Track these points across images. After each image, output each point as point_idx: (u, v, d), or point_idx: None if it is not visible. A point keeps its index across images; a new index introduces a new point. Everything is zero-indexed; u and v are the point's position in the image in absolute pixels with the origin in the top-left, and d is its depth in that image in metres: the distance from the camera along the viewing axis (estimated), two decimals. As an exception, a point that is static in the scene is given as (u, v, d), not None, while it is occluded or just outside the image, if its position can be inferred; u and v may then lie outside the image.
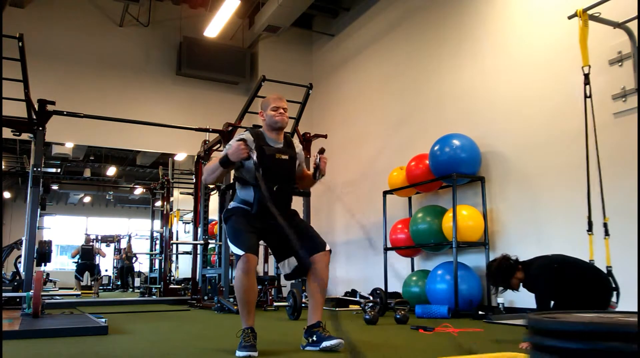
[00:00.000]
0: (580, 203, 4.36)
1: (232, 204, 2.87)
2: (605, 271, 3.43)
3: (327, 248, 2.82)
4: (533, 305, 4.99)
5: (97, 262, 11.83)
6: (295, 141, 3.07)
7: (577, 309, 2.74)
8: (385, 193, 6.58)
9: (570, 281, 3.17)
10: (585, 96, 3.73)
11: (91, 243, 12.04)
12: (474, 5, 6.09)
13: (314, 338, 2.71)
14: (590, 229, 3.58)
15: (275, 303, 5.75)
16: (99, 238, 14.17)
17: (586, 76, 3.77)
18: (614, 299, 3.36)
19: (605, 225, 3.57)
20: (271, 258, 7.71)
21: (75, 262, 11.83)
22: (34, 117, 5.45)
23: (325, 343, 2.64)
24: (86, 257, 11.49)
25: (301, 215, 6.80)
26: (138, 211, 19.31)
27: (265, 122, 2.90)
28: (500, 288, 3.41)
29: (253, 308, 2.71)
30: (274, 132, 2.88)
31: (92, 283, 11.37)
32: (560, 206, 4.84)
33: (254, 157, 2.67)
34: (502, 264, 3.34)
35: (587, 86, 3.75)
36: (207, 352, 2.89)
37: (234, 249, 2.70)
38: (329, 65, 9.12)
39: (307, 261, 2.72)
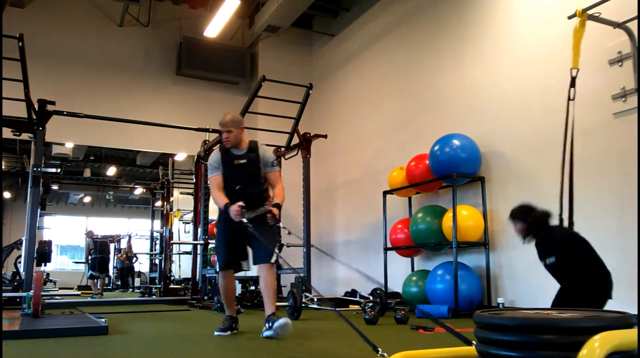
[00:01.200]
0: (580, 202, 4.36)
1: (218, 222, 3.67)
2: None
3: (271, 261, 3.47)
4: (532, 306, 5.00)
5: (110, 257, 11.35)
6: (262, 147, 3.61)
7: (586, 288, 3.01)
8: (385, 193, 6.57)
9: (586, 255, 3.29)
10: (569, 99, 3.77)
11: (105, 238, 11.31)
12: (474, 6, 6.09)
13: (270, 325, 3.31)
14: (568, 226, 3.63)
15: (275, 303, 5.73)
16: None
17: (573, 79, 3.80)
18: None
19: (570, 224, 3.63)
20: (271, 258, 7.70)
21: (83, 261, 11.64)
22: (34, 117, 5.45)
23: (275, 324, 3.25)
24: (101, 250, 10.77)
25: (301, 215, 6.80)
26: (138, 211, 19.31)
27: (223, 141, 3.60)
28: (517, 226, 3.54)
29: (232, 302, 3.69)
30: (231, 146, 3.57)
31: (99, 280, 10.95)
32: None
33: (244, 220, 3.30)
34: (529, 207, 3.53)
35: (572, 89, 3.77)
36: (207, 352, 2.89)
37: (217, 261, 3.66)
38: (329, 65, 9.12)
39: (256, 263, 3.52)
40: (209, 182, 3.70)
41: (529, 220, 3.49)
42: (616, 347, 0.85)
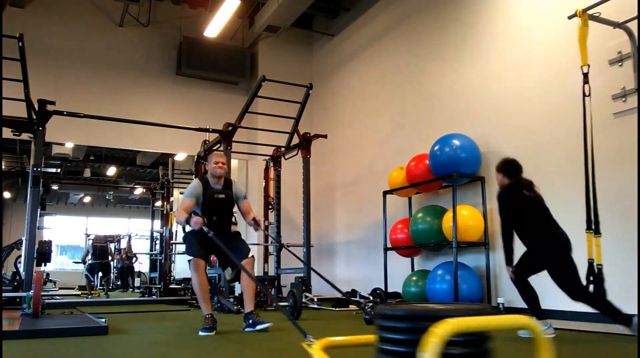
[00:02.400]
0: (581, 202, 4.36)
1: (188, 228, 3.89)
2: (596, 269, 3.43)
3: (250, 255, 3.88)
4: (533, 305, 4.99)
5: (110, 261, 11.09)
6: (235, 185, 4.12)
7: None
8: (385, 193, 6.57)
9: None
10: (584, 95, 3.73)
11: (106, 241, 10.91)
12: (474, 6, 6.09)
13: (250, 322, 3.70)
14: (589, 228, 3.56)
15: (274, 303, 5.75)
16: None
17: (585, 75, 3.77)
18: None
19: (596, 224, 3.55)
20: (271, 259, 7.72)
21: (79, 261, 11.54)
22: (34, 117, 5.45)
23: (259, 326, 3.63)
24: (101, 256, 10.49)
25: (300, 215, 6.82)
26: (138, 211, 19.32)
27: (209, 172, 4.00)
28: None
29: (208, 298, 3.80)
30: (214, 178, 4.00)
31: (103, 283, 10.79)
32: (561, 206, 4.83)
33: (205, 228, 3.65)
34: (514, 162, 3.75)
35: (586, 85, 3.75)
36: (207, 352, 2.89)
37: (188, 256, 3.83)
38: (329, 65, 9.12)
39: (238, 265, 3.66)
40: (180, 204, 3.97)
41: (501, 171, 3.75)
42: (455, 330, 1.25)
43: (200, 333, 3.58)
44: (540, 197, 3.59)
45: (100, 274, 10.68)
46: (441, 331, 1.25)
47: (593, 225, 3.57)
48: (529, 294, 3.52)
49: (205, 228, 3.64)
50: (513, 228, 3.51)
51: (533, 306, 3.54)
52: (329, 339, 1.92)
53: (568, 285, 3.37)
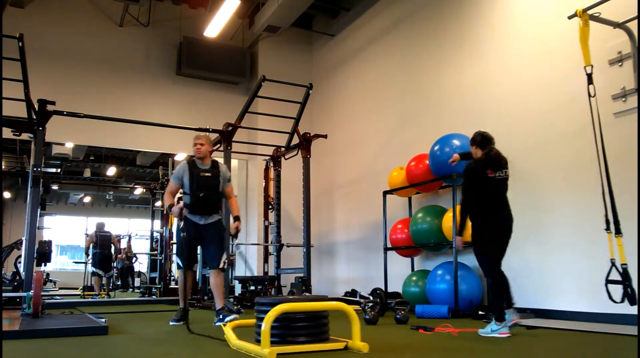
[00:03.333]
0: (581, 202, 4.37)
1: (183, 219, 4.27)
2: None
3: (220, 266, 4.32)
4: (532, 306, 5.02)
5: (113, 254, 10.16)
6: (222, 166, 4.48)
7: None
8: (385, 193, 6.57)
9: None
10: (590, 96, 3.71)
11: (108, 231, 10.03)
12: (474, 6, 6.09)
13: (220, 317, 4.16)
14: (608, 227, 3.47)
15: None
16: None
17: (589, 76, 3.75)
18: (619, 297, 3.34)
19: (616, 224, 3.48)
20: (271, 259, 7.72)
21: (79, 261, 11.09)
22: (34, 117, 5.45)
23: (227, 319, 3.99)
24: (103, 245, 9.65)
25: (300, 215, 6.81)
26: (138, 211, 19.32)
27: (194, 149, 4.38)
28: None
29: (185, 296, 4.36)
30: (200, 160, 4.38)
31: (103, 283, 9.85)
32: (561, 206, 4.84)
33: (185, 213, 4.22)
34: (486, 134, 4.03)
35: (591, 86, 3.73)
36: (207, 352, 2.89)
37: (179, 261, 4.38)
38: (329, 65, 9.12)
39: (209, 268, 4.35)
40: (167, 188, 4.41)
41: (476, 143, 3.99)
42: (279, 311, 2.52)
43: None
44: (507, 177, 3.79)
45: (101, 271, 9.68)
46: (271, 313, 2.57)
47: (613, 225, 3.49)
48: (501, 288, 3.61)
49: (191, 217, 4.25)
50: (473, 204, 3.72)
51: (503, 298, 3.60)
52: (235, 322, 3.34)
53: (486, 259, 3.66)
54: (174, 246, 10.57)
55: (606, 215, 3.51)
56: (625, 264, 3.38)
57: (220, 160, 5.17)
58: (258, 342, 2.65)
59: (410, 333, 3.74)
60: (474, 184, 3.72)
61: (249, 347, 2.71)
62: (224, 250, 4.40)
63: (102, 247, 9.60)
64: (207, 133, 4.61)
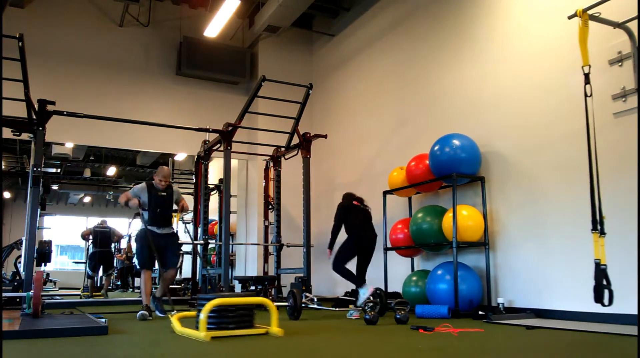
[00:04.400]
0: (580, 202, 4.36)
1: (141, 226, 5.26)
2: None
3: (173, 268, 5.27)
4: (532, 306, 5.02)
5: (113, 251, 9.64)
6: (174, 187, 5.48)
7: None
8: (385, 193, 6.58)
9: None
10: (586, 96, 3.72)
11: (108, 227, 9.39)
12: (474, 6, 6.09)
13: (155, 304, 5.17)
14: (595, 228, 3.51)
15: (275, 303, 5.74)
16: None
17: (586, 76, 3.76)
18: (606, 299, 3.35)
19: (601, 224, 3.53)
20: (271, 259, 7.72)
21: (79, 261, 11.03)
22: (34, 117, 5.45)
23: (158, 313, 5.12)
24: (103, 243, 9.00)
25: (300, 215, 6.82)
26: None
27: (156, 180, 5.30)
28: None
29: (148, 294, 5.10)
30: (158, 183, 5.33)
31: (104, 279, 9.44)
32: (560, 206, 4.84)
33: (141, 209, 5.20)
34: (350, 194, 5.70)
35: (588, 86, 3.74)
36: (206, 352, 2.89)
37: (137, 262, 5.62)
38: (329, 65, 9.12)
39: (163, 270, 5.24)
40: (127, 194, 5.26)
41: (343, 198, 5.63)
42: (213, 305, 3.37)
43: (137, 316, 4.85)
44: (366, 209, 5.51)
45: (101, 270, 9.19)
46: (207, 305, 3.31)
47: (599, 225, 3.51)
48: (346, 274, 5.26)
49: (150, 227, 5.15)
50: (341, 228, 5.35)
51: (352, 280, 5.30)
52: (180, 313, 4.20)
53: (337, 259, 5.30)
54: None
55: (593, 216, 3.53)
56: (605, 265, 3.40)
57: (220, 160, 5.64)
58: (198, 329, 3.38)
59: (410, 333, 3.74)
60: (343, 216, 5.44)
61: (191, 333, 3.42)
62: (178, 257, 5.80)
63: (101, 245, 8.98)
64: (168, 167, 5.81)
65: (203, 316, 3.30)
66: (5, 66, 4.24)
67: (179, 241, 5.73)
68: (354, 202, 5.48)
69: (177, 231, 5.49)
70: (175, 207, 5.46)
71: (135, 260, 13.57)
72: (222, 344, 3.16)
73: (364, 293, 5.10)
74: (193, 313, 3.94)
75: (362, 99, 8.11)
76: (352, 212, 5.38)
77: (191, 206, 9.08)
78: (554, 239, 4.86)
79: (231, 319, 3.51)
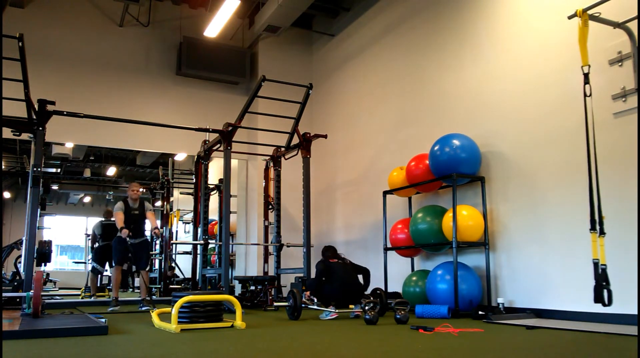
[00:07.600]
0: (580, 202, 4.37)
1: (118, 234, 6.13)
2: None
3: (147, 268, 6.33)
4: (532, 306, 5.02)
5: None
6: (145, 203, 6.49)
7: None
8: (385, 193, 6.58)
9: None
10: (585, 95, 3.72)
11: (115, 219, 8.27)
12: (474, 6, 6.09)
13: (141, 305, 5.95)
14: (593, 228, 3.52)
15: (275, 303, 5.76)
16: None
17: (586, 76, 3.76)
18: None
19: (600, 224, 3.52)
20: (271, 259, 7.72)
21: (79, 261, 10.86)
22: (34, 117, 5.45)
23: (142, 308, 5.84)
24: (110, 236, 7.92)
25: (300, 215, 6.83)
26: (138, 211, 19.25)
27: (129, 193, 6.36)
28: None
29: (117, 287, 6.24)
30: (132, 200, 6.33)
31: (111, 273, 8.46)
32: (561, 206, 4.84)
33: (129, 240, 6.09)
34: (331, 247, 5.63)
35: (587, 85, 3.74)
36: (206, 352, 2.89)
37: (114, 260, 6.31)
38: (329, 65, 9.12)
39: (138, 271, 6.32)
40: (116, 214, 6.15)
41: (322, 253, 5.59)
42: (183, 301, 4.01)
43: (108, 310, 5.70)
44: (343, 260, 5.48)
45: (107, 266, 8.60)
46: (179, 302, 3.96)
47: (597, 225, 3.52)
48: (318, 290, 5.21)
49: (129, 240, 6.06)
50: (322, 278, 5.21)
51: (324, 301, 5.22)
52: (160, 310, 4.51)
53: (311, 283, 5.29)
54: (174, 247, 10.62)
55: (592, 215, 3.52)
56: (605, 265, 3.39)
57: (220, 160, 5.78)
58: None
59: (410, 333, 3.74)
60: (323, 270, 5.26)
61: (166, 325, 3.92)
62: (149, 258, 6.90)
63: (108, 238, 8.05)
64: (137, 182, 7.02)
65: (174, 311, 3.88)
66: (5, 66, 4.25)
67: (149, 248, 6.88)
68: (330, 260, 5.35)
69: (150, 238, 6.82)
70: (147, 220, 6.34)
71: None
72: (192, 335, 3.64)
73: (327, 316, 4.99)
74: (166, 309, 4.41)
75: (362, 99, 8.11)
76: (331, 269, 5.22)
77: (191, 206, 9.16)
78: (554, 239, 4.86)
79: (201, 314, 4.07)
